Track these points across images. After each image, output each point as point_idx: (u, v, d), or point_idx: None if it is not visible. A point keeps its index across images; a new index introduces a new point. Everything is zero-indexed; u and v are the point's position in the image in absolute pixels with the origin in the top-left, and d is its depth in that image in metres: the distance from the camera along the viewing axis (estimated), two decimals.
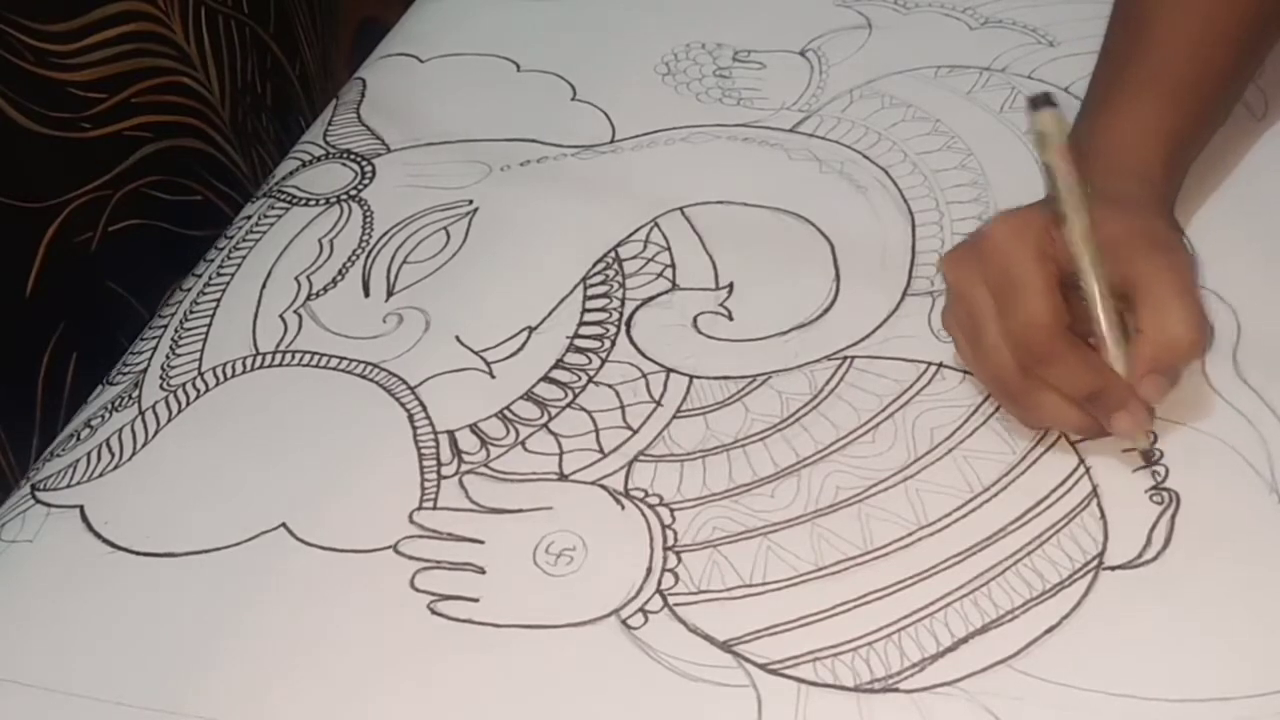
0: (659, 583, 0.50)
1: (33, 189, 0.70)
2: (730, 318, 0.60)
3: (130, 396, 0.61)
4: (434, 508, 0.54)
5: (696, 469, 0.54)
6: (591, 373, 0.59)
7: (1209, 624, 0.47)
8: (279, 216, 0.70)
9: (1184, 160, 0.58)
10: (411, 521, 0.53)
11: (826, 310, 0.60)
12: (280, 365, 0.61)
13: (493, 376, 0.59)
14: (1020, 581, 0.48)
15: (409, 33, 0.83)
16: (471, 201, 0.69)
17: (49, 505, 0.56)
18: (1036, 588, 0.48)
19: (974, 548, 0.50)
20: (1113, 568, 0.48)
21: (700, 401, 0.57)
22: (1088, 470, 0.52)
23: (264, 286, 0.65)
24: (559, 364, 0.59)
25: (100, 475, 0.57)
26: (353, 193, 0.70)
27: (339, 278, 0.65)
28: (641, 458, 0.55)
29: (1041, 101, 0.49)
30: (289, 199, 0.71)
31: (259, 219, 0.70)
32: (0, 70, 0.67)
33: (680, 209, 0.66)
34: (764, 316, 0.60)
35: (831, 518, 0.51)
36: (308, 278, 0.65)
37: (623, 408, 0.57)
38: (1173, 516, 0.50)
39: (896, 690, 0.46)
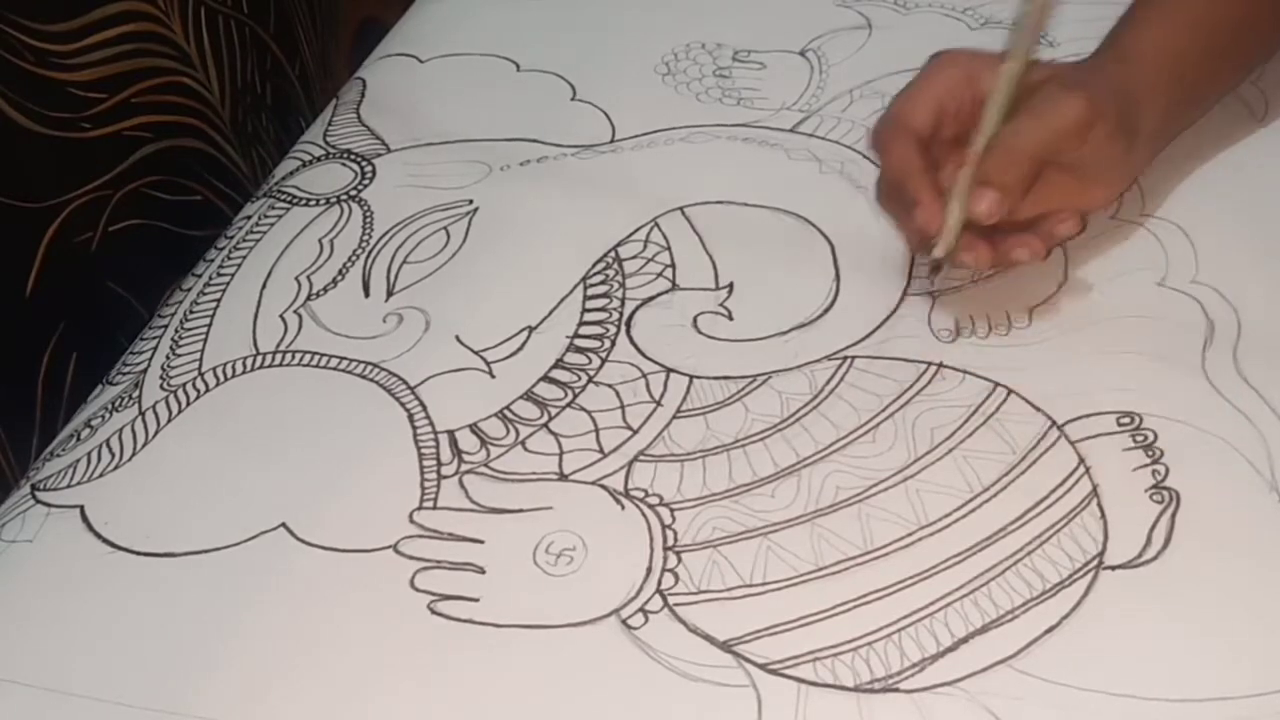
0: (659, 583, 0.50)
1: (33, 189, 0.70)
2: (730, 318, 0.61)
3: (130, 396, 0.61)
4: (434, 508, 0.54)
5: (696, 469, 0.54)
6: (591, 373, 0.59)
7: (1209, 624, 0.47)
8: (279, 216, 0.70)
9: (1177, 93, 0.58)
10: (411, 521, 0.53)
11: (826, 310, 0.60)
12: (280, 365, 0.61)
13: (493, 376, 0.59)
14: (1020, 581, 0.48)
15: (409, 33, 0.83)
16: (471, 201, 0.69)
17: (49, 505, 0.56)
18: (1036, 588, 0.48)
19: (974, 548, 0.50)
20: (1113, 567, 0.48)
21: (700, 401, 0.57)
22: (1088, 470, 0.52)
23: (264, 286, 0.65)
24: (559, 364, 0.59)
25: (100, 475, 0.57)
26: (353, 193, 0.70)
27: (339, 278, 0.65)
28: (641, 458, 0.55)
29: None
30: (289, 199, 0.71)
31: (259, 219, 0.70)
32: (0, 70, 0.67)
33: (680, 209, 0.66)
34: (764, 316, 0.60)
35: (831, 518, 0.51)
36: (308, 278, 0.65)
37: (623, 408, 0.57)
38: (1173, 516, 0.50)
39: (896, 690, 0.46)
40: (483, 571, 0.51)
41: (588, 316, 0.61)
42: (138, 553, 0.54)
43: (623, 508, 0.53)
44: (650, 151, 0.70)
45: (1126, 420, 0.53)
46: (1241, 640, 0.46)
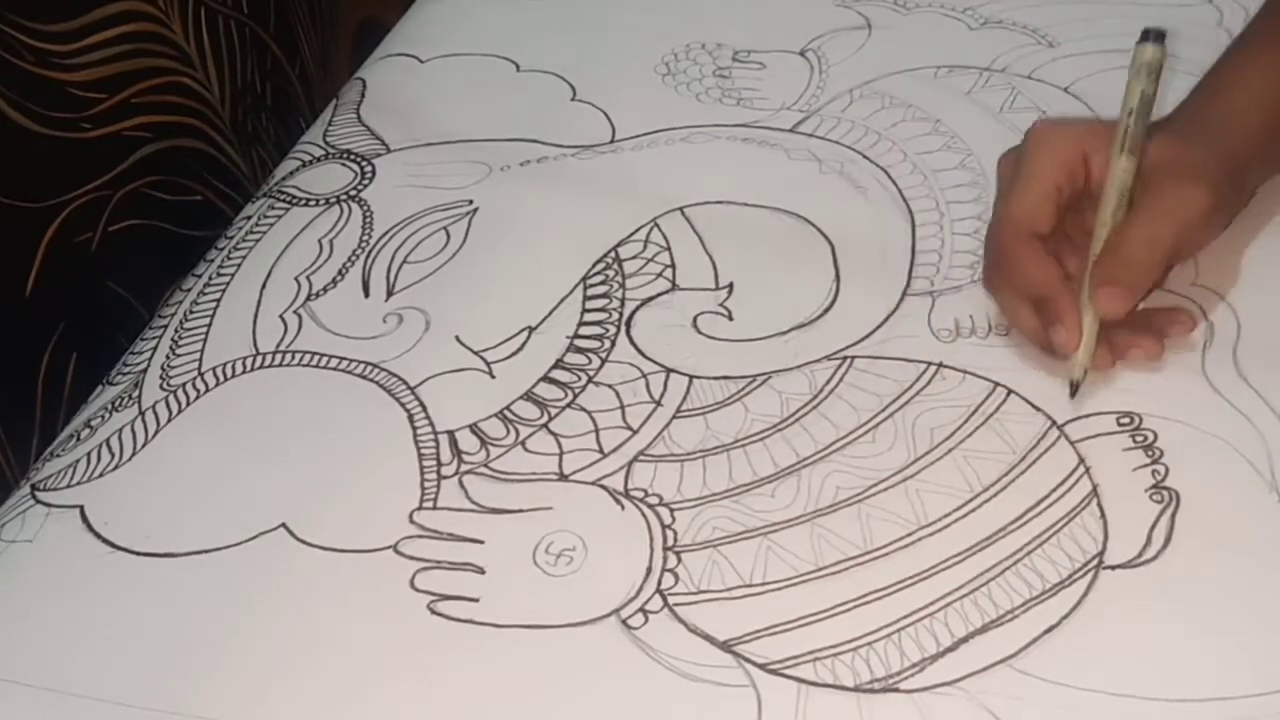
0: (659, 583, 0.50)
1: (33, 189, 0.70)
2: (730, 318, 0.61)
3: (130, 396, 0.61)
4: (434, 508, 0.54)
5: (696, 469, 0.54)
6: (591, 373, 0.59)
7: (1209, 624, 0.47)
8: (279, 217, 0.70)
9: (1277, 146, 0.57)
10: (411, 521, 0.53)
11: (826, 310, 0.60)
12: (280, 365, 0.61)
13: (493, 376, 0.59)
14: (1020, 581, 0.48)
15: (409, 33, 0.83)
16: (471, 201, 0.69)
17: (49, 505, 0.56)
18: (1036, 587, 0.48)
19: (974, 548, 0.50)
20: (1113, 567, 0.48)
21: (700, 401, 0.57)
22: (1088, 470, 0.52)
23: (264, 287, 0.65)
24: (559, 364, 0.59)
25: (100, 475, 0.57)
26: (353, 193, 0.70)
27: (339, 278, 0.65)
28: (641, 458, 0.55)
29: (1153, 35, 0.54)
30: (289, 199, 0.71)
31: (259, 219, 0.70)
32: (0, 70, 0.67)
33: (680, 209, 0.66)
34: (764, 316, 0.60)
35: (831, 518, 0.51)
36: (308, 278, 0.65)
37: (623, 408, 0.57)
38: (1173, 516, 0.50)
39: (896, 690, 0.46)
40: (483, 572, 0.51)
41: (588, 317, 0.61)
42: (138, 553, 0.54)
43: (623, 508, 0.53)
44: (650, 152, 0.70)
45: (1126, 420, 0.53)
46: (1241, 640, 0.46)
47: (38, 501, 0.57)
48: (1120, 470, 0.51)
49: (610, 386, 0.58)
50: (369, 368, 0.60)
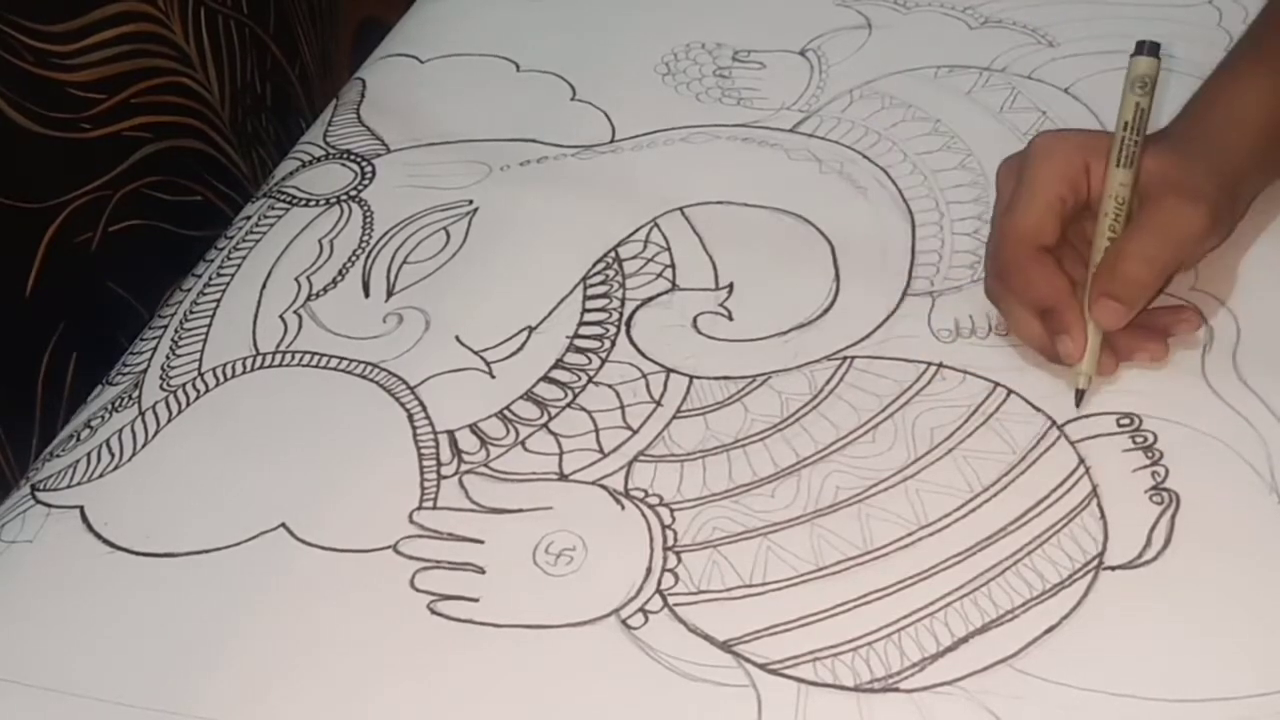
0: (659, 583, 0.50)
1: (33, 189, 0.70)
2: (730, 318, 0.61)
3: (130, 397, 0.61)
4: (434, 508, 0.54)
5: (696, 469, 0.54)
6: (591, 373, 0.59)
7: (1209, 624, 0.47)
8: (279, 217, 0.70)
9: (1275, 155, 0.57)
10: (411, 521, 0.53)
11: (826, 310, 0.60)
12: (280, 365, 0.61)
13: (493, 376, 0.59)
14: (1020, 581, 0.48)
15: (409, 33, 0.83)
16: (471, 201, 0.69)
17: (49, 505, 0.56)
18: (1036, 588, 0.48)
19: (974, 548, 0.50)
20: (1113, 568, 0.48)
21: (700, 401, 0.57)
22: (1088, 470, 0.52)
23: (264, 287, 0.65)
24: (559, 364, 0.59)
25: (100, 476, 0.57)
26: (353, 193, 0.70)
27: (339, 278, 0.65)
28: (641, 458, 0.55)
29: (1147, 48, 0.54)
30: (289, 199, 0.71)
31: (259, 219, 0.70)
32: (0, 70, 0.67)
33: (680, 209, 0.66)
34: (764, 316, 0.60)
35: (831, 518, 0.51)
36: (308, 278, 0.65)
37: (623, 408, 0.57)
38: (1173, 516, 0.50)
39: (896, 690, 0.46)
40: (483, 571, 0.51)
41: (588, 317, 0.61)
42: (138, 553, 0.54)
43: (623, 508, 0.53)
44: (650, 152, 0.70)
45: (1126, 421, 0.53)
46: (1241, 640, 0.46)
47: (38, 502, 0.57)
48: (1120, 471, 0.51)
49: (610, 386, 0.58)
50: (369, 368, 0.60)
